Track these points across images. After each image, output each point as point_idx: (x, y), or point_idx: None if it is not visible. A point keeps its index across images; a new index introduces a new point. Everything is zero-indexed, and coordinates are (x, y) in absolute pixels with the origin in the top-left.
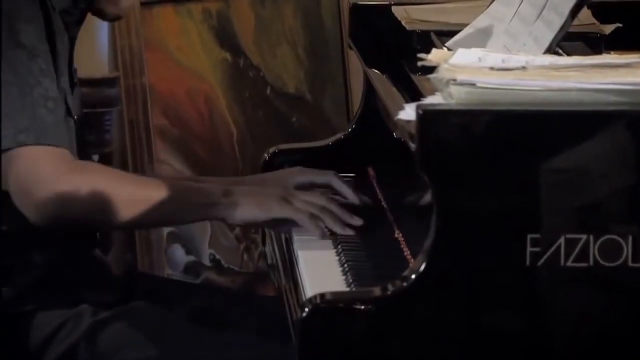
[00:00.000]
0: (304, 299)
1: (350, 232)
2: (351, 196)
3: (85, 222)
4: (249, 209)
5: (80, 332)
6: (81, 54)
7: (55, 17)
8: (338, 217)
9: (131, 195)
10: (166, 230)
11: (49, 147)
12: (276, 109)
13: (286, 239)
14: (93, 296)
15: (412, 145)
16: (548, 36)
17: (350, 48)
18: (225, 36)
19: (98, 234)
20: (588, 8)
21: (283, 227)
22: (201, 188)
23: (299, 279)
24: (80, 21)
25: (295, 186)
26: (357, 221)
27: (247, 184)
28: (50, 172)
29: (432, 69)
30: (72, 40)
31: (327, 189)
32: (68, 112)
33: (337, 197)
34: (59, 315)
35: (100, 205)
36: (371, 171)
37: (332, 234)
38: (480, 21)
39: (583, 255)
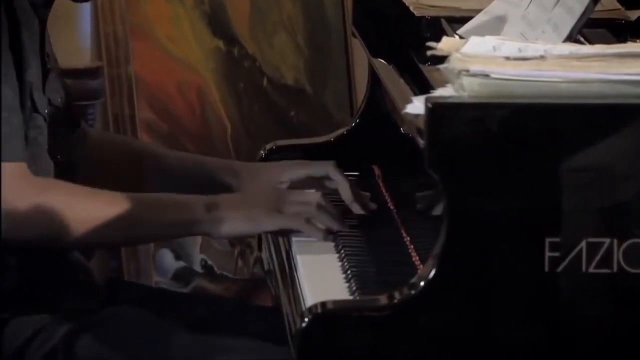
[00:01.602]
0: (303, 308)
1: (346, 228)
2: (347, 193)
3: (37, 242)
4: (235, 223)
5: (57, 341)
6: (61, 42)
7: (20, 1)
8: (335, 214)
9: (91, 214)
10: None
11: (3, 164)
12: (273, 103)
13: (284, 243)
14: (73, 305)
15: (421, 142)
16: (568, 23)
17: (354, 36)
18: (218, 23)
19: None
20: None
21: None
22: (181, 203)
23: (298, 286)
24: (49, 2)
25: (291, 181)
26: (352, 222)
27: (241, 175)
28: (3, 190)
29: (442, 59)
30: (42, 24)
31: (327, 181)
32: (34, 108)
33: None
34: (34, 322)
35: (52, 225)
36: (376, 170)
37: (334, 236)
38: (495, 7)
39: (606, 260)
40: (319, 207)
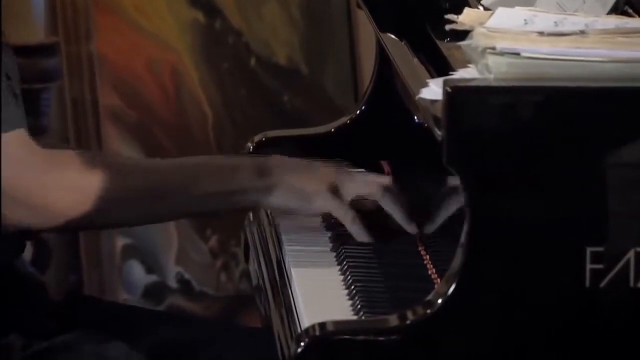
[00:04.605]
0: (299, 330)
1: (412, 228)
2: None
3: (51, 228)
4: (288, 194)
5: None
6: (10, 13)
7: None
8: (401, 203)
9: (117, 189)
10: (120, 242)
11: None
12: (263, 86)
13: (276, 252)
14: (25, 326)
15: (438, 133)
16: None
17: (359, 7)
18: None
19: (28, 244)
20: None
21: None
22: (229, 167)
23: (293, 305)
24: None
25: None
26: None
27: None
28: (3, 166)
29: (464, 34)
30: None
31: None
32: None
33: None
34: None
35: (70, 207)
36: (385, 166)
37: (336, 245)
38: None
39: None
40: (386, 189)
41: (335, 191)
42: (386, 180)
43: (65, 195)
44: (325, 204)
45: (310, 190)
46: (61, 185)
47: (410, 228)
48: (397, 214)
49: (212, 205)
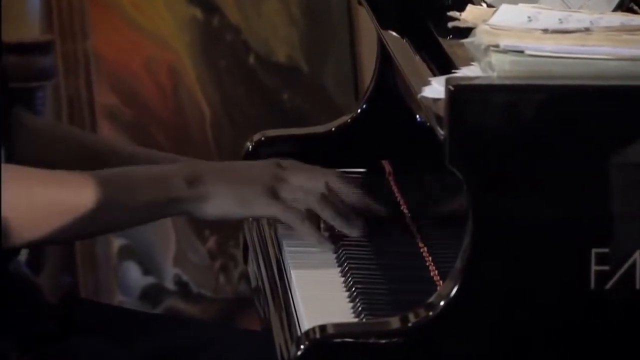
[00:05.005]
0: (299, 333)
1: (355, 231)
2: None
3: None
4: (223, 202)
5: None
6: (4, 11)
7: None
8: (341, 211)
9: (40, 203)
10: (117, 243)
11: None
12: (262, 84)
13: (276, 254)
14: (19, 330)
15: (440, 132)
16: None
17: (360, 3)
18: None
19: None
20: None
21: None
22: (156, 178)
23: (293, 307)
24: None
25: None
26: (360, 224)
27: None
28: None
29: (467, 32)
30: None
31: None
32: None
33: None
34: None
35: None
36: (387, 166)
37: (335, 244)
38: None
39: None
40: (323, 198)
41: (274, 194)
42: (321, 184)
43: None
44: (266, 208)
45: (247, 195)
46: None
47: (354, 232)
48: (337, 221)
49: (143, 217)
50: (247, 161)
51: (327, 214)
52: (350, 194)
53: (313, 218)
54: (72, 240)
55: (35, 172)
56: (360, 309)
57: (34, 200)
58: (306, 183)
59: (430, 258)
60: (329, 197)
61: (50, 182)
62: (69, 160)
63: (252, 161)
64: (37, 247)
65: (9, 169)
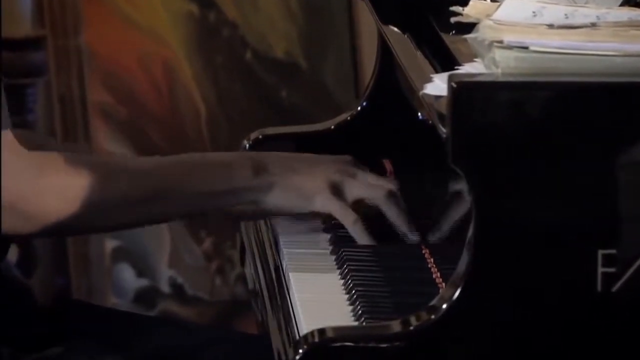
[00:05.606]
0: (297, 336)
1: (414, 236)
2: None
3: (41, 234)
4: (285, 194)
5: None
6: None
7: None
8: (405, 211)
9: (106, 193)
10: (110, 244)
11: None
12: (259, 80)
13: (273, 256)
14: (10, 333)
15: (443, 130)
16: None
17: None
18: None
19: (13, 246)
20: None
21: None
22: (223, 164)
23: (291, 310)
24: None
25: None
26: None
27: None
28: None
29: (470, 27)
30: None
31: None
32: None
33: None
34: None
35: (62, 213)
36: (388, 165)
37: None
38: None
39: None
40: (391, 195)
41: (336, 191)
42: (391, 184)
43: (49, 199)
44: (326, 204)
45: (310, 189)
46: (44, 189)
47: (413, 235)
48: (399, 221)
49: (205, 206)
50: (315, 155)
51: (392, 212)
52: None
53: None
54: (133, 228)
55: (101, 162)
56: (360, 312)
57: (111, 191)
58: (375, 181)
59: (432, 259)
60: (396, 197)
61: (117, 171)
62: None
63: (320, 155)
64: (30, 248)
65: (81, 160)
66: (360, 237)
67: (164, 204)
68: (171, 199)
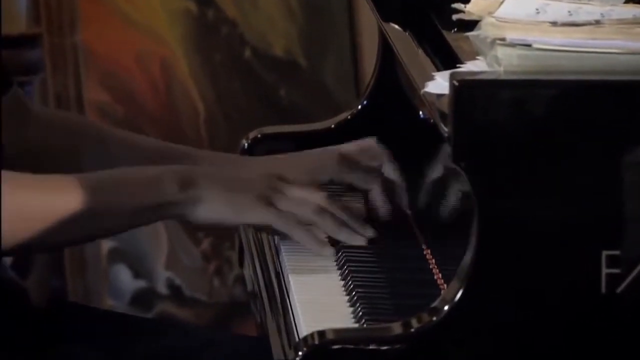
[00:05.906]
0: (297, 338)
1: (360, 241)
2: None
3: None
4: (215, 206)
5: None
6: None
7: None
8: (343, 221)
9: (30, 209)
10: (106, 246)
11: None
12: (258, 79)
13: (273, 257)
14: (5, 335)
15: (445, 129)
16: None
17: None
18: None
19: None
20: None
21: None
22: (149, 180)
23: (290, 312)
24: None
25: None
26: (369, 232)
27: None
28: None
29: (472, 25)
30: None
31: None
32: None
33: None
34: None
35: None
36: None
37: (336, 248)
38: None
39: None
40: (320, 210)
41: (269, 199)
42: (319, 197)
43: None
44: (260, 216)
45: (241, 202)
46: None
47: (361, 241)
48: (337, 232)
49: (133, 222)
50: (246, 158)
51: (326, 226)
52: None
53: None
54: (61, 247)
55: (20, 177)
56: (360, 313)
57: (18, 205)
58: (303, 195)
59: (433, 260)
60: (328, 207)
61: (35, 186)
62: (53, 145)
63: (252, 159)
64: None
65: (10, 177)
66: (308, 239)
67: (94, 220)
68: (101, 215)
